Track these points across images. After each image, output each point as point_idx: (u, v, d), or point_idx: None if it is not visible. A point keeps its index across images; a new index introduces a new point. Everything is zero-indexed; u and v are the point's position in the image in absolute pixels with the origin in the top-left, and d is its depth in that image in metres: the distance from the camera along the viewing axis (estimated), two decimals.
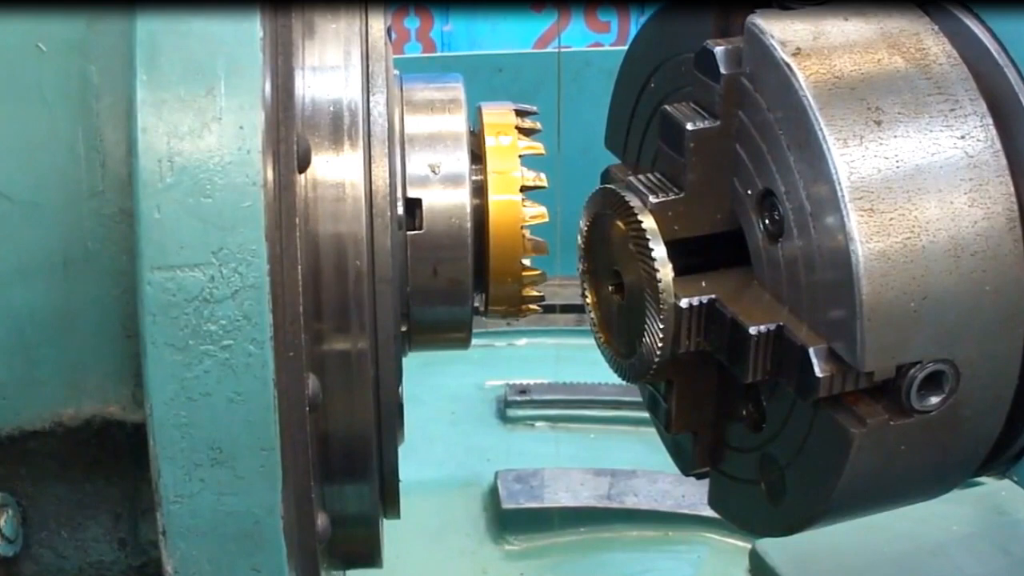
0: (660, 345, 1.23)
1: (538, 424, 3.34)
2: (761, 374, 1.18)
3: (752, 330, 1.16)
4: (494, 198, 1.30)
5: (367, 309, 1.14)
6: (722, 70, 1.19)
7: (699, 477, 1.40)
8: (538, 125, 1.36)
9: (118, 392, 1.07)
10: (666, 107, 1.26)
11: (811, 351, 1.12)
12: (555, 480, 2.90)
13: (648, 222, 1.23)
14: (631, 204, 1.24)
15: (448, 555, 2.76)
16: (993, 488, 2.67)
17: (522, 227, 1.30)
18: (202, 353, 0.97)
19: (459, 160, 1.29)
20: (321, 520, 1.13)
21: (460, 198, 1.27)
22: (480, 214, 1.29)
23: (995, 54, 1.19)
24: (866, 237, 1.08)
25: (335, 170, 1.13)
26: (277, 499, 1.00)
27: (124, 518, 1.08)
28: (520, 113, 1.35)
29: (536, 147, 1.35)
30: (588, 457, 3.09)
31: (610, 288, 1.33)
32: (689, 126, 1.21)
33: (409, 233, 1.25)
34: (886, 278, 1.08)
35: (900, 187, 1.09)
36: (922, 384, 1.11)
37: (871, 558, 2.31)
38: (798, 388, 1.14)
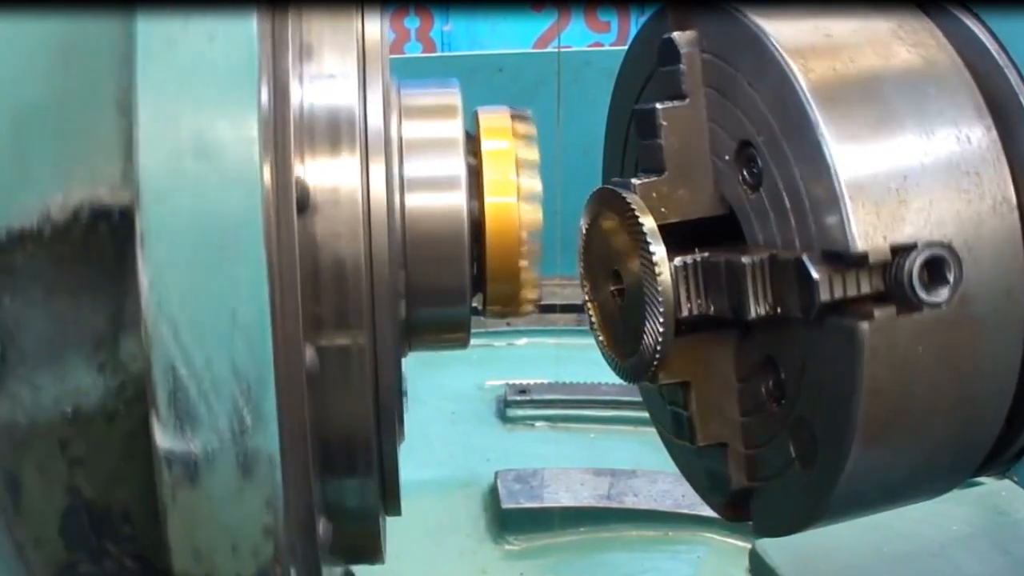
0: (660, 343, 1.23)
1: (538, 424, 3.35)
2: (764, 306, 1.17)
3: (745, 259, 1.17)
4: (490, 201, 1.30)
5: (366, 310, 1.15)
6: (681, 49, 1.25)
7: (741, 517, 1.35)
8: (533, 129, 1.35)
9: (108, 171, 1.04)
10: (635, 107, 1.29)
11: (804, 257, 1.12)
12: (555, 480, 2.91)
13: (648, 222, 1.23)
14: (630, 203, 1.25)
15: (448, 555, 2.76)
16: (993, 488, 2.67)
17: (518, 229, 1.30)
18: None
19: (455, 165, 1.29)
20: (310, 354, 1.11)
21: (457, 201, 1.27)
22: (477, 217, 1.29)
23: (995, 54, 1.20)
24: (835, 130, 1.11)
25: (332, 176, 1.14)
26: (257, 203, 0.99)
27: (106, 342, 1.05)
28: (516, 117, 1.36)
29: (532, 151, 1.35)
30: (588, 457, 3.09)
31: (610, 289, 1.32)
32: (658, 105, 1.26)
33: (407, 235, 1.25)
34: (861, 161, 1.10)
35: (871, 108, 1.14)
36: (924, 271, 1.09)
37: (870, 558, 2.30)
38: (801, 306, 1.13)
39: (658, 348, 1.23)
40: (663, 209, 1.26)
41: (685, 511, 2.78)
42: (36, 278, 1.05)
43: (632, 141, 1.40)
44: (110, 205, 1.04)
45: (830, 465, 1.16)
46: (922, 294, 1.08)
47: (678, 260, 1.22)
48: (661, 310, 1.22)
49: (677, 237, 1.25)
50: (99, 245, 1.05)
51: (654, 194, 1.26)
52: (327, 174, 1.13)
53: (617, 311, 1.33)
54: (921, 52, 1.19)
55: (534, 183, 1.32)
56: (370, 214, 1.15)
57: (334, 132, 1.14)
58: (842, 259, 1.10)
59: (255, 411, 1.00)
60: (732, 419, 1.30)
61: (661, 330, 1.22)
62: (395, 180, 1.24)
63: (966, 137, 1.15)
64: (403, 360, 1.30)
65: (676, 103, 1.25)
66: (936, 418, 1.16)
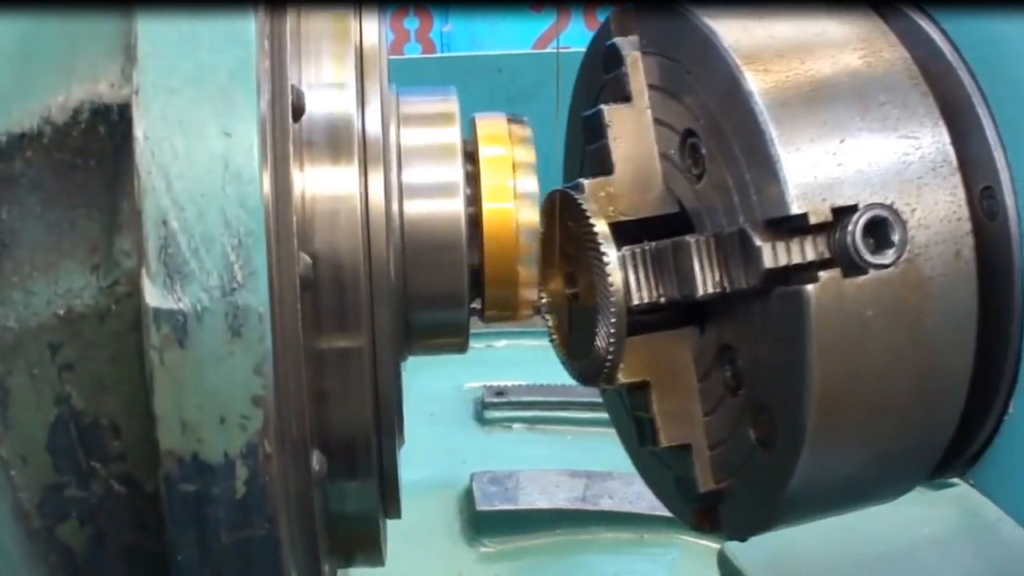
0: (612, 342, 1.25)
1: (515, 426, 3.34)
2: (712, 283, 1.19)
3: (690, 238, 1.19)
4: (488, 207, 1.31)
5: (365, 314, 1.16)
6: (624, 52, 1.30)
7: (713, 528, 1.35)
8: (528, 132, 1.37)
9: (109, 68, 1.07)
10: (582, 113, 1.34)
11: (746, 226, 1.13)
12: (530, 482, 2.90)
13: (599, 224, 1.26)
14: (580, 204, 1.27)
15: (423, 557, 2.74)
16: (965, 490, 2.64)
17: (516, 234, 1.32)
18: None
19: (453, 171, 1.30)
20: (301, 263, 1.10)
21: (455, 208, 1.28)
22: (475, 222, 1.30)
23: (948, 55, 1.21)
24: (764, 90, 1.13)
25: (332, 184, 1.15)
26: (252, 53, 1.02)
27: (101, 245, 1.07)
28: (512, 121, 1.38)
29: (528, 152, 1.36)
30: (565, 459, 3.08)
31: (566, 293, 1.36)
32: (603, 107, 1.30)
33: (405, 241, 1.27)
34: (795, 124, 1.12)
35: (811, 87, 1.16)
36: (867, 232, 1.10)
37: (840, 560, 2.29)
38: (747, 278, 1.15)
39: (611, 347, 1.25)
40: (612, 209, 1.29)
41: (660, 513, 2.73)
42: (34, 186, 1.06)
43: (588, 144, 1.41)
44: (109, 103, 1.06)
45: (789, 443, 1.16)
46: (867, 255, 1.09)
47: (627, 249, 1.24)
48: (613, 309, 1.24)
49: (628, 238, 1.27)
50: (97, 146, 1.06)
51: (602, 193, 1.29)
52: (326, 182, 1.15)
53: (573, 314, 1.36)
54: (870, 53, 1.20)
55: (530, 184, 1.33)
56: (368, 220, 1.17)
57: (333, 140, 1.15)
58: (784, 224, 1.11)
59: (246, 265, 1.00)
60: (695, 419, 1.30)
61: (613, 330, 1.24)
62: (394, 187, 1.25)
63: (903, 104, 1.17)
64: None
65: (621, 104, 1.30)
66: (894, 388, 1.15)
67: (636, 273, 1.24)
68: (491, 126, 1.35)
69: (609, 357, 1.26)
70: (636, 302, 1.24)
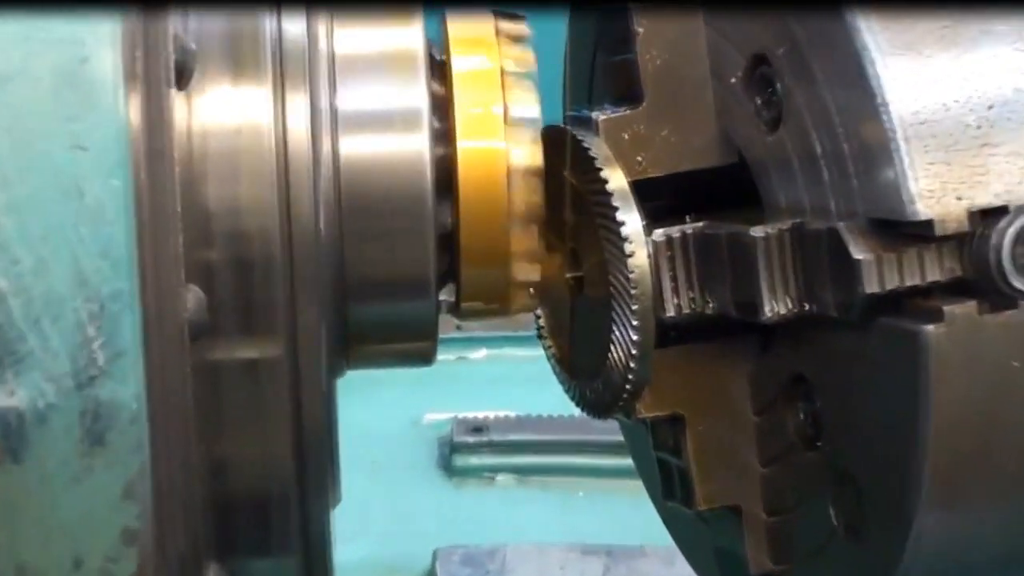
0: (635, 357, 1.09)
1: (499, 477, 2.92)
2: (784, 300, 1.05)
3: (756, 232, 1.04)
4: (465, 145, 1.12)
5: (282, 308, 1.03)
6: None
7: None
8: (525, 29, 1.20)
9: None
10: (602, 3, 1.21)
11: (841, 227, 0.98)
12: (523, 561, 2.54)
13: (615, 179, 1.09)
14: (588, 149, 1.10)
15: None
16: None
17: (506, 185, 1.14)
18: None
19: (413, 91, 1.12)
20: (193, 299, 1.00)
21: (416, 146, 1.11)
22: (446, 169, 1.14)
23: None
24: (885, 39, 0.97)
25: (232, 109, 1.02)
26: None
27: None
28: (502, 16, 1.21)
29: (525, 61, 1.18)
30: (572, 526, 2.72)
31: (565, 277, 1.19)
32: (635, 12, 1.13)
33: (342, 198, 1.12)
34: (922, 82, 0.97)
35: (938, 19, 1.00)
36: (1020, 248, 0.95)
37: None
38: (838, 301, 1.00)
39: (631, 365, 1.10)
40: (639, 157, 1.14)
41: None
42: None
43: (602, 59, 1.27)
44: None
45: (887, 537, 1.04)
46: (1017, 282, 0.95)
47: (659, 233, 1.10)
48: (635, 308, 1.09)
49: (660, 200, 1.14)
50: None
51: (626, 135, 1.14)
52: (223, 108, 1.01)
53: (576, 309, 1.21)
54: None
55: (528, 109, 1.15)
56: (287, 166, 1.03)
57: (234, 48, 1.03)
58: (898, 230, 0.98)
59: (110, 342, 0.88)
60: (747, 471, 1.17)
61: (635, 338, 1.09)
62: (324, 115, 1.10)
63: None
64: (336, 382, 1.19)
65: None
66: None
67: (673, 270, 1.10)
68: (470, 25, 1.18)
69: (629, 378, 1.10)
70: (671, 314, 1.10)
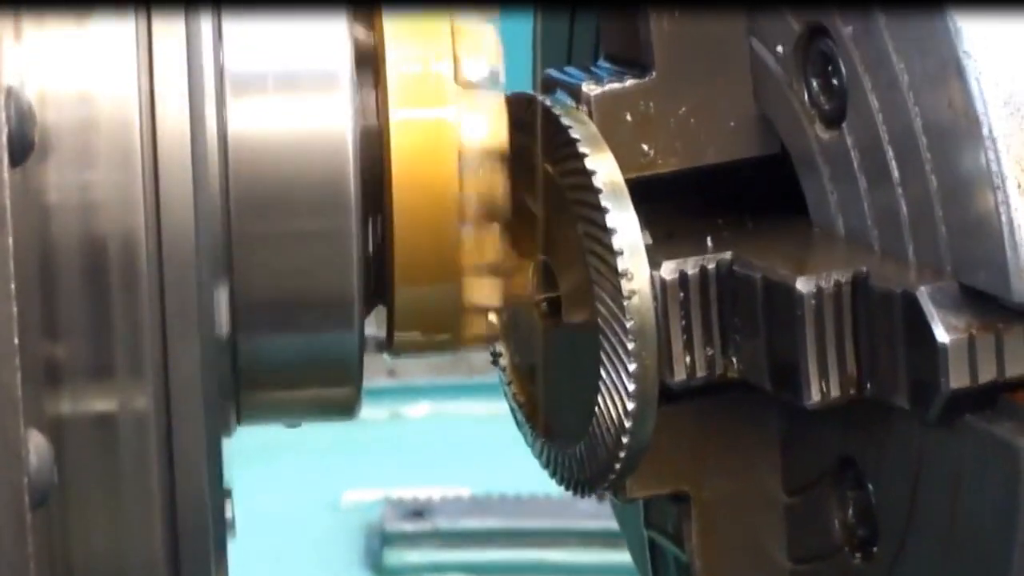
0: (629, 423, 0.94)
1: None
2: (838, 382, 0.93)
3: (803, 284, 0.92)
4: (400, 116, 0.99)
5: (149, 341, 0.91)
6: None
7: None
8: None
9: None
10: None
11: (921, 292, 0.88)
12: None
13: (603, 166, 0.94)
14: (567, 127, 0.96)
15: None
16: None
17: (458, 171, 0.99)
18: None
19: (331, 42, 0.99)
20: (37, 443, 0.90)
21: (333, 118, 0.98)
22: (375, 148, 1.00)
23: None
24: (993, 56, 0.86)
25: (75, 68, 0.90)
26: None
27: None
28: None
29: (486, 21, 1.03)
30: None
31: (536, 299, 1.04)
32: None
33: (231, 188, 0.97)
34: None
35: None
36: None
37: None
38: (913, 394, 0.90)
39: (623, 433, 0.96)
40: (646, 146, 1.02)
41: None
42: None
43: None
44: None
45: None
46: None
47: (669, 268, 0.97)
48: (632, 368, 0.94)
49: (670, 205, 1.03)
50: None
51: (628, 115, 1.01)
52: (68, 71, 0.90)
53: (550, 344, 1.06)
54: None
55: (484, 67, 1.01)
56: (156, 142, 0.91)
57: None
58: (997, 307, 0.88)
59: None
60: (771, 568, 1.06)
61: (631, 406, 0.95)
62: (206, 76, 0.97)
63: None
64: (225, 442, 1.02)
65: None
66: None
67: (685, 317, 0.97)
68: None
69: (623, 442, 0.95)
70: (681, 377, 0.98)
